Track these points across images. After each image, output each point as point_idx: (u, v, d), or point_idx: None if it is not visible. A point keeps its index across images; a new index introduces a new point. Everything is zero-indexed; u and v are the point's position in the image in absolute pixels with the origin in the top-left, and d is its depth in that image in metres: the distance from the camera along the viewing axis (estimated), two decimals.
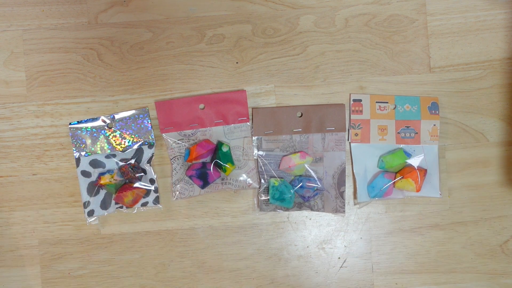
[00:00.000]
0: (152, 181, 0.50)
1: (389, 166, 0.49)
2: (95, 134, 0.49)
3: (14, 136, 0.51)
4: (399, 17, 0.51)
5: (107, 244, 0.51)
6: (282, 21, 0.51)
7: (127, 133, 0.49)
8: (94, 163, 0.49)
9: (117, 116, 0.50)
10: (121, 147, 0.49)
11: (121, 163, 0.49)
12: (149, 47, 0.51)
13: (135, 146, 0.49)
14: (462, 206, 0.51)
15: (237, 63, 0.51)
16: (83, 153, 0.49)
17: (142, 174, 0.49)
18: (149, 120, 0.49)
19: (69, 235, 0.51)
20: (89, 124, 0.49)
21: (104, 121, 0.49)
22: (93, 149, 0.49)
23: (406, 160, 0.50)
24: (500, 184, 0.51)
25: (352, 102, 0.51)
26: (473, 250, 0.51)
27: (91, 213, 0.49)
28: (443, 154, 0.51)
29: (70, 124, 0.49)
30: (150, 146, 0.50)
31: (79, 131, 0.49)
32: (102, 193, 0.49)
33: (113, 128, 0.49)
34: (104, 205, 0.49)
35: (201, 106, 0.50)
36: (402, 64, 0.51)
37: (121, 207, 0.49)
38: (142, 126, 0.49)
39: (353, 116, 0.50)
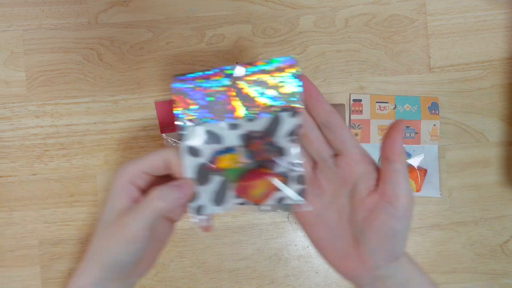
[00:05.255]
0: (293, 166, 0.32)
1: None
2: (212, 93, 0.32)
3: (14, 136, 0.51)
4: (399, 17, 0.51)
5: None
6: (282, 21, 0.51)
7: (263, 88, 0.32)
8: (207, 137, 0.32)
9: (246, 70, 0.32)
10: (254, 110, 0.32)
11: (251, 136, 0.32)
12: (149, 47, 0.51)
13: (265, 111, 0.32)
14: (462, 206, 0.51)
15: (237, 63, 0.51)
16: (190, 122, 0.32)
17: (279, 154, 0.32)
18: (297, 76, 0.32)
19: (69, 235, 0.51)
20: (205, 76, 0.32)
21: (229, 74, 0.32)
22: (209, 114, 0.32)
23: (406, 160, 0.50)
24: (500, 184, 0.51)
25: (352, 102, 0.51)
26: (473, 250, 0.51)
27: (200, 210, 0.32)
28: (443, 154, 0.51)
29: (174, 76, 0.32)
30: (293, 114, 0.32)
31: (188, 89, 0.32)
32: (217, 181, 0.32)
33: (241, 80, 0.32)
34: (219, 198, 0.33)
35: None
36: (402, 64, 0.51)
37: (243, 203, 0.33)
38: (286, 83, 0.32)
39: (353, 116, 0.50)
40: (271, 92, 0.32)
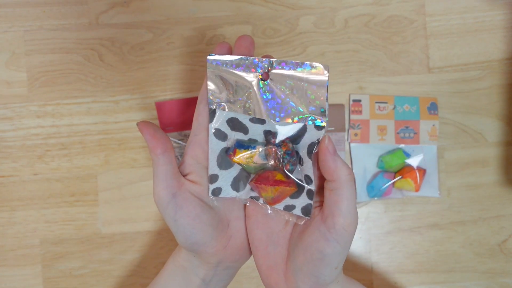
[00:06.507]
0: (307, 179, 0.31)
1: (388, 166, 0.50)
2: (241, 83, 0.31)
3: (15, 136, 0.51)
4: (398, 18, 0.51)
5: (108, 243, 0.51)
6: (282, 21, 0.51)
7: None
8: (234, 124, 0.32)
9: (278, 67, 0.31)
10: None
11: (270, 139, 0.32)
12: (149, 47, 0.51)
13: (289, 119, 0.31)
14: (461, 205, 0.51)
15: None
16: (219, 106, 0.32)
17: (297, 164, 0.32)
18: (326, 89, 0.30)
19: (70, 235, 0.51)
20: (239, 67, 0.31)
21: (261, 67, 0.31)
22: (236, 103, 0.32)
23: (405, 160, 0.50)
24: (499, 184, 0.51)
25: (351, 102, 0.51)
26: (472, 249, 0.51)
27: (217, 192, 0.33)
28: (442, 154, 0.51)
29: (209, 55, 0.31)
30: (318, 127, 0.31)
31: (221, 73, 0.31)
32: (237, 168, 0.33)
33: (270, 78, 0.31)
34: (238, 184, 0.33)
35: None
36: (401, 64, 0.51)
37: (257, 199, 0.33)
38: (314, 93, 0.30)
39: (353, 116, 0.51)
40: (296, 99, 0.30)
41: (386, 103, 0.51)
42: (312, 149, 0.30)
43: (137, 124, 0.31)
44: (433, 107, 0.51)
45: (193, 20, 0.51)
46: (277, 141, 0.31)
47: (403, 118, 0.51)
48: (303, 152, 0.31)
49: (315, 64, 0.30)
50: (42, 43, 0.51)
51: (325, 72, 0.30)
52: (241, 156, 0.32)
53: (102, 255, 0.51)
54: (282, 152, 0.31)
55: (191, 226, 0.31)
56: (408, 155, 0.50)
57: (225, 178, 0.33)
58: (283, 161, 0.31)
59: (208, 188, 0.33)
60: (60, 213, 0.51)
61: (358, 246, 0.51)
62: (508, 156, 0.51)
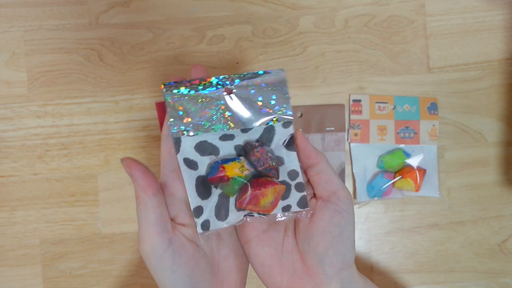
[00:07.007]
0: (292, 175, 0.32)
1: (388, 166, 0.50)
2: (205, 102, 0.31)
3: (15, 136, 0.51)
4: (398, 18, 0.51)
5: (108, 243, 0.51)
6: (282, 21, 0.51)
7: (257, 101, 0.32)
8: (203, 148, 0.31)
9: (238, 82, 0.32)
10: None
11: (254, 145, 0.32)
12: (149, 47, 0.51)
13: (260, 122, 0.32)
14: (461, 205, 0.51)
15: (237, 63, 0.51)
16: (185, 132, 0.31)
17: (280, 164, 0.33)
18: (286, 88, 0.33)
19: (70, 235, 0.51)
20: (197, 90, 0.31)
21: (222, 85, 0.32)
22: (204, 123, 0.31)
23: (405, 160, 0.50)
24: (499, 184, 0.51)
25: (351, 102, 0.51)
26: (471, 249, 0.51)
27: (206, 226, 0.30)
28: (442, 154, 0.51)
29: (164, 85, 0.31)
30: (286, 124, 0.33)
31: (182, 98, 0.31)
32: (215, 194, 0.32)
33: (234, 91, 0.32)
34: (222, 212, 0.31)
35: None
36: (401, 64, 0.51)
37: (251, 214, 0.32)
38: (276, 94, 0.32)
39: (353, 116, 0.51)
40: (262, 104, 0.32)
41: (386, 103, 0.51)
42: (290, 143, 0.33)
43: (121, 160, 0.28)
44: (433, 107, 0.51)
45: (193, 20, 0.51)
46: (253, 145, 0.32)
47: (403, 118, 0.51)
48: (281, 151, 0.33)
49: (270, 70, 0.32)
50: (42, 43, 0.51)
51: (282, 73, 0.32)
52: (234, 169, 0.30)
53: (102, 255, 0.51)
54: (265, 154, 0.31)
55: (191, 277, 0.28)
56: (408, 155, 0.50)
57: (209, 208, 0.31)
58: (267, 161, 0.31)
59: (196, 224, 0.30)
60: (60, 213, 0.51)
61: (358, 246, 0.51)
62: (508, 156, 0.51)
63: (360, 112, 0.51)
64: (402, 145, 0.51)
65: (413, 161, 0.50)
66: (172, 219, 0.29)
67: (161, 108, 0.50)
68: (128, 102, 0.51)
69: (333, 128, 0.50)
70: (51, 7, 0.51)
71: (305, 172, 0.33)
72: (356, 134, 0.51)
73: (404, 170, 0.49)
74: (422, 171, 0.49)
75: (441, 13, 0.51)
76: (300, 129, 0.32)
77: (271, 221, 0.33)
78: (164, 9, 0.51)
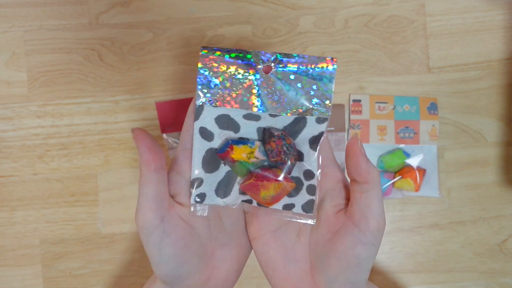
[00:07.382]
0: (308, 174, 0.30)
1: (388, 166, 0.50)
2: (239, 76, 0.29)
3: (15, 136, 0.51)
4: (398, 18, 0.51)
5: (108, 243, 0.51)
6: (282, 21, 0.51)
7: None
8: (223, 122, 0.29)
9: (281, 59, 0.29)
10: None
11: (273, 133, 0.29)
12: (149, 47, 0.51)
13: (292, 111, 0.29)
14: (461, 205, 0.51)
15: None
16: (209, 102, 0.29)
17: (297, 159, 0.30)
18: (332, 84, 0.29)
19: (70, 235, 0.51)
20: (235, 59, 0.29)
21: (262, 61, 0.29)
22: (232, 98, 0.29)
23: (405, 160, 0.50)
24: (499, 184, 0.51)
25: (351, 102, 0.51)
26: (471, 249, 0.51)
27: (201, 197, 0.29)
28: (442, 154, 0.51)
29: (202, 48, 0.29)
30: (320, 120, 0.29)
31: (217, 67, 0.29)
32: (223, 171, 0.30)
33: (273, 70, 0.29)
34: (223, 189, 0.30)
35: None
36: (401, 64, 0.51)
37: (250, 201, 0.30)
38: (318, 86, 0.29)
39: (353, 116, 0.51)
40: (299, 93, 0.29)
41: (386, 103, 0.51)
42: (315, 142, 0.29)
43: (132, 130, 0.27)
44: (433, 107, 0.51)
45: (193, 20, 0.51)
46: (275, 135, 0.29)
47: (403, 118, 0.51)
48: (304, 147, 0.29)
49: (321, 56, 0.29)
50: (42, 43, 0.51)
51: (333, 64, 0.28)
52: (242, 152, 0.28)
53: (102, 255, 0.51)
54: (283, 146, 0.29)
55: (178, 257, 0.28)
56: (408, 155, 0.50)
57: (210, 182, 0.29)
58: (283, 155, 0.28)
59: (191, 194, 0.29)
60: (60, 213, 0.51)
61: None
62: (508, 156, 0.51)
63: (360, 112, 0.51)
64: (402, 145, 0.51)
65: (413, 161, 0.50)
66: (172, 196, 0.29)
67: (161, 108, 0.50)
68: (128, 102, 0.51)
69: (333, 128, 0.50)
70: (51, 7, 0.51)
71: (350, 181, 0.29)
72: (356, 134, 0.51)
73: (404, 170, 0.49)
74: (422, 171, 0.49)
75: (441, 13, 0.51)
76: (358, 138, 0.28)
77: (267, 215, 0.31)
78: (164, 9, 0.51)
